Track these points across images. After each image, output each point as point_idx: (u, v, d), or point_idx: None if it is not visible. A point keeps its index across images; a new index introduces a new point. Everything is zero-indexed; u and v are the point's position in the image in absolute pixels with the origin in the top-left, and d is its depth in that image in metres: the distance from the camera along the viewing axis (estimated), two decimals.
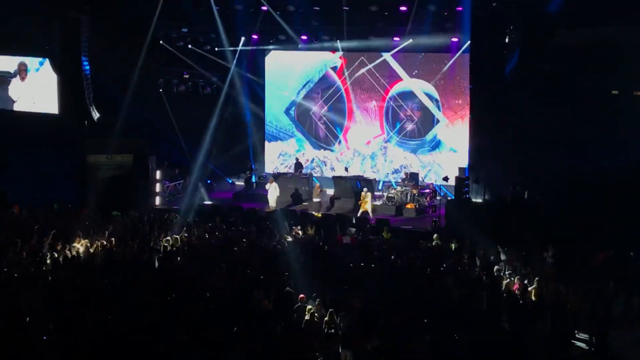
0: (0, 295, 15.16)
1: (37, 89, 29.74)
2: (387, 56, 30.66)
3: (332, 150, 32.26)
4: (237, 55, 31.34)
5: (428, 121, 30.61)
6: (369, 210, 26.42)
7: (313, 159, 32.51)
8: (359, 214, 26.28)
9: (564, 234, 21.21)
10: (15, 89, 30.26)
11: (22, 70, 30.15)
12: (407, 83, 30.67)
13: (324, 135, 32.33)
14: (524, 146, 25.44)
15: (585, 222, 21.21)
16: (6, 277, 16.73)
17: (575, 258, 19.60)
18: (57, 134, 29.59)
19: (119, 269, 17.59)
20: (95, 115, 27.78)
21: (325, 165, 32.44)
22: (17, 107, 30.40)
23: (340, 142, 32.08)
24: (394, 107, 30.97)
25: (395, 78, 30.81)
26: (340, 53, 31.31)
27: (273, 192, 27.86)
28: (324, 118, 32.18)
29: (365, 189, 27.06)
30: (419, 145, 30.81)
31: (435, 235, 22.00)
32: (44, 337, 13.03)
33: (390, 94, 30.97)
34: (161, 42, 29.74)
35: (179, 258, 19.15)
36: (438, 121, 30.43)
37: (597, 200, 22.27)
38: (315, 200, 27.99)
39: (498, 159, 26.11)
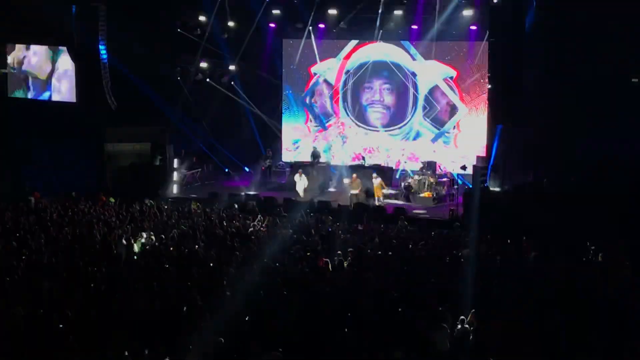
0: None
1: (55, 78, 29.88)
2: (412, 44, 30.49)
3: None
4: (254, 44, 31.27)
5: (448, 110, 30.48)
6: (380, 196, 26.48)
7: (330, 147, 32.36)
8: (376, 202, 26.30)
9: (583, 224, 21.13)
10: (34, 77, 30.46)
11: (40, 60, 30.34)
12: (428, 72, 30.52)
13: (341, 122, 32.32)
14: (543, 134, 25.28)
15: (606, 212, 21.08)
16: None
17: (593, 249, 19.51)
18: (76, 123, 29.71)
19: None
20: (113, 103, 27.81)
21: (345, 142, 32.31)
22: (34, 96, 30.60)
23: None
24: (414, 95, 30.85)
25: (414, 68, 30.67)
26: (357, 41, 31.23)
27: (300, 183, 27.88)
28: (341, 105, 32.15)
29: (374, 173, 27.15)
30: (439, 134, 30.70)
31: (455, 224, 21.95)
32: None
33: (411, 83, 30.86)
34: (179, 29, 29.69)
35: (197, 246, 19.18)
36: (457, 110, 30.30)
37: (618, 190, 22.11)
38: (353, 192, 27.06)
39: (517, 147, 25.98)
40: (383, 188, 27.29)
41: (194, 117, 30.58)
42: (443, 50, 30.04)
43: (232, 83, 31.80)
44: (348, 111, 32.26)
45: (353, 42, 31.60)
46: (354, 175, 27.37)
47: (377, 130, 31.89)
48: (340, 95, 32.30)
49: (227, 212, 23.98)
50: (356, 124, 32.17)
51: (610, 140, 24.10)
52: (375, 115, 31.92)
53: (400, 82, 31.30)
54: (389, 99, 31.67)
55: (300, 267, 16.80)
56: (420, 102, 30.97)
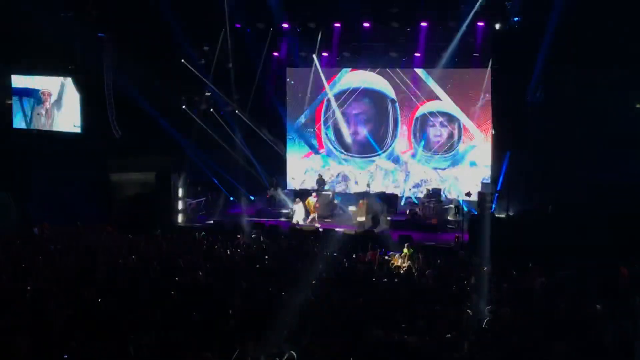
0: None
1: (60, 109, 30.03)
2: (419, 72, 30.54)
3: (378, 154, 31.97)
4: (258, 73, 31.38)
5: (452, 137, 30.47)
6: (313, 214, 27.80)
7: (339, 174, 32.35)
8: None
9: (589, 249, 21.08)
10: (39, 109, 30.60)
11: (45, 100, 30.48)
12: (430, 99, 30.56)
13: (345, 150, 32.28)
14: (548, 160, 25.30)
15: (611, 236, 21.02)
16: None
17: (600, 273, 19.40)
18: (80, 153, 29.81)
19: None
20: (118, 133, 27.90)
21: (349, 180, 32.25)
22: (39, 127, 30.73)
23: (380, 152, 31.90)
24: (420, 123, 30.86)
25: (420, 97, 30.69)
26: (362, 70, 31.34)
27: (300, 211, 27.88)
28: (345, 133, 32.15)
29: (314, 193, 28.35)
30: (442, 160, 30.66)
31: (461, 253, 21.87)
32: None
33: (418, 112, 30.83)
34: (182, 60, 29.85)
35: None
36: (461, 137, 30.30)
37: (622, 214, 22.06)
38: (360, 219, 27.19)
39: (521, 173, 25.98)
40: (316, 208, 28.18)
41: (199, 146, 30.59)
42: (444, 78, 30.10)
43: (237, 112, 31.87)
44: (330, 139, 32.31)
45: (345, 70, 31.75)
46: (361, 201, 27.34)
47: (354, 156, 31.93)
48: (321, 123, 32.33)
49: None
50: (338, 150, 32.17)
51: (615, 166, 24.05)
52: (358, 142, 31.92)
53: (380, 109, 31.34)
54: (368, 126, 31.67)
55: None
56: (402, 129, 31.00)
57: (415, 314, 15.78)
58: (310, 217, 28.08)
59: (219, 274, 19.19)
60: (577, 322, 15.69)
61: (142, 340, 13.70)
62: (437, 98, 30.33)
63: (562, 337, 14.99)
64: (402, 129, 31.06)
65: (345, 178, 32.17)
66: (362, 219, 26.85)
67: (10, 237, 23.68)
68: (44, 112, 30.69)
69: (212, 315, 15.60)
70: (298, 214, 27.93)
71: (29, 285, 17.61)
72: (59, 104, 30.23)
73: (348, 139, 31.84)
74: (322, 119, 32.26)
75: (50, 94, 30.53)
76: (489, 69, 28.55)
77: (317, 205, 28.40)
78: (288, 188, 32.23)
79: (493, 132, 28.56)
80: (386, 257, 21.56)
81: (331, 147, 32.32)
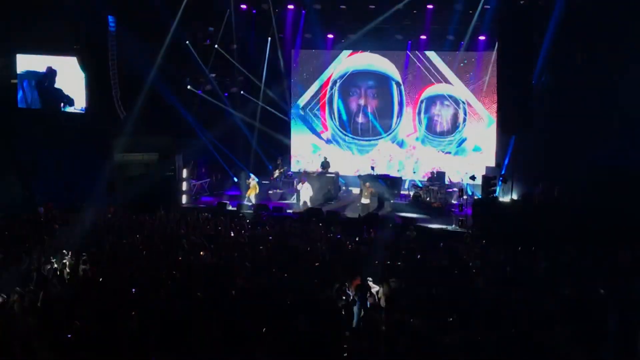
0: None
1: (64, 88, 30.00)
2: (424, 54, 30.42)
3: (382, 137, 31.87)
4: (265, 54, 31.31)
5: (457, 120, 30.40)
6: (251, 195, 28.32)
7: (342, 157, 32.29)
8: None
9: (594, 232, 21.11)
10: (44, 88, 30.58)
11: (49, 79, 30.43)
12: (441, 83, 30.45)
13: (350, 132, 32.19)
14: (553, 143, 25.25)
15: (617, 220, 21.07)
16: None
17: (603, 257, 19.44)
18: (85, 134, 29.82)
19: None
20: (122, 113, 27.87)
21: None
22: (44, 107, 30.71)
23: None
24: (425, 106, 30.77)
25: (428, 78, 30.58)
26: (366, 52, 31.22)
27: (306, 192, 27.87)
28: (350, 116, 32.07)
29: (251, 175, 28.82)
30: (446, 144, 30.61)
31: (465, 235, 21.89)
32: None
33: (424, 94, 30.75)
34: (187, 42, 29.78)
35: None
36: (466, 120, 30.23)
37: (628, 198, 22.07)
38: (364, 201, 27.20)
39: (526, 157, 25.95)
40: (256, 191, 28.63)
41: (203, 126, 30.57)
42: (450, 61, 30.01)
43: (242, 93, 31.81)
44: (334, 122, 32.21)
45: (346, 52, 31.60)
46: (367, 183, 27.32)
47: (358, 139, 31.82)
48: (326, 105, 32.22)
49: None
50: (341, 132, 32.09)
51: (623, 150, 23.98)
52: (361, 124, 31.82)
53: (385, 91, 31.22)
54: (372, 108, 31.56)
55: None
56: (407, 111, 30.89)
57: (418, 297, 15.85)
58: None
59: (223, 255, 19.27)
60: (581, 307, 15.73)
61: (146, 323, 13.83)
62: (443, 81, 30.29)
63: (565, 321, 15.06)
64: (407, 112, 31.01)
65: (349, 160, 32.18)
66: (367, 201, 26.85)
67: (16, 216, 23.78)
68: (48, 92, 30.64)
69: (215, 295, 15.68)
70: (304, 194, 27.92)
71: (34, 265, 17.78)
72: (63, 84, 30.17)
73: (352, 121, 31.78)
74: (327, 101, 32.18)
75: (54, 74, 30.46)
76: (494, 51, 28.43)
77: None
78: (292, 170, 32.22)
79: (498, 115, 28.46)
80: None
81: (335, 129, 32.27)
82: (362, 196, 27.16)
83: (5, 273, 16.95)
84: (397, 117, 31.19)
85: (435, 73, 30.29)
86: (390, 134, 31.32)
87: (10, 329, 13.57)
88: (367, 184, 27.30)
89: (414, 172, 30.72)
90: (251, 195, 28.47)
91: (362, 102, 31.79)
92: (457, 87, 30.09)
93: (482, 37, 28.47)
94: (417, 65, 30.56)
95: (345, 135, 32.03)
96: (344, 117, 32.00)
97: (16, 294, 15.29)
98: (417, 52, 30.45)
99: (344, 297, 15.97)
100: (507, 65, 26.20)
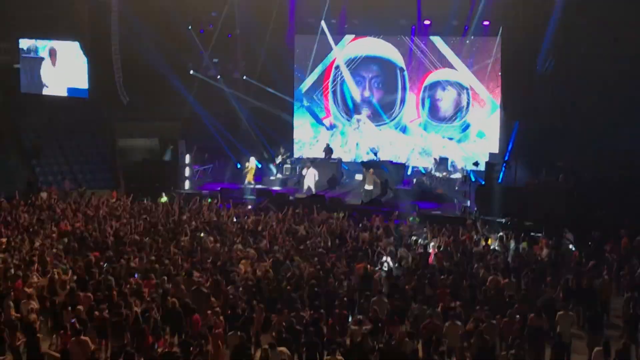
0: None
1: (68, 73, 29.99)
2: (429, 39, 30.22)
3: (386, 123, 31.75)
4: (265, 40, 31.18)
5: (460, 105, 30.25)
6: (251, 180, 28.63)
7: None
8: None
9: (596, 219, 21.18)
10: (46, 73, 30.54)
11: (52, 55, 30.39)
12: (442, 69, 30.30)
13: (353, 118, 32.04)
14: (557, 129, 25.22)
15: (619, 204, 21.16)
16: None
17: (603, 242, 19.51)
18: (88, 119, 29.83)
19: None
20: (125, 99, 27.86)
21: (359, 148, 32.04)
22: (46, 92, 30.68)
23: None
24: (429, 92, 30.61)
25: (432, 63, 30.43)
26: (369, 37, 31.07)
27: (311, 177, 27.82)
28: (353, 102, 31.93)
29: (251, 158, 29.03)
30: (450, 129, 30.48)
31: (467, 222, 21.89)
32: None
33: (427, 80, 30.59)
34: (189, 27, 29.70)
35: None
36: (469, 105, 30.09)
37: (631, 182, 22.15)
38: (368, 187, 27.05)
39: (530, 142, 25.92)
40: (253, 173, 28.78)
41: (206, 112, 30.51)
42: (454, 46, 29.85)
43: (245, 78, 31.72)
44: (337, 106, 32.09)
45: (348, 37, 31.51)
46: (371, 170, 27.25)
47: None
48: (329, 90, 32.10)
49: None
50: (344, 118, 32.01)
51: (624, 136, 23.94)
52: (364, 110, 31.74)
53: (389, 77, 31.16)
54: (377, 94, 31.47)
55: None
56: (410, 97, 30.80)
57: (420, 283, 15.89)
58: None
59: (225, 240, 19.33)
60: (585, 292, 15.79)
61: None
62: (447, 66, 30.09)
63: (570, 305, 15.12)
64: (410, 98, 30.85)
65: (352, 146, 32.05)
66: (370, 187, 26.82)
67: (19, 200, 23.84)
68: (50, 76, 30.63)
69: (216, 279, 15.75)
70: (308, 179, 27.85)
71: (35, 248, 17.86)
72: (65, 68, 30.16)
73: (355, 106, 31.67)
74: (330, 86, 32.06)
75: (57, 58, 30.46)
76: (498, 37, 28.31)
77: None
78: (294, 155, 32.13)
79: (502, 101, 28.38)
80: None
81: (338, 115, 32.15)
82: (366, 182, 27.12)
83: (9, 257, 17.05)
84: (400, 104, 31.04)
85: (439, 58, 30.09)
86: (393, 120, 31.19)
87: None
88: (371, 170, 27.24)
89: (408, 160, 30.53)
90: (251, 179, 28.42)
91: (366, 88, 31.61)
92: (460, 73, 29.89)
93: (486, 22, 28.31)
94: (420, 51, 30.39)
95: (349, 121, 31.90)
96: (349, 103, 31.84)
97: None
98: (420, 37, 30.25)
99: (345, 284, 16.04)
100: (512, 51, 26.17)
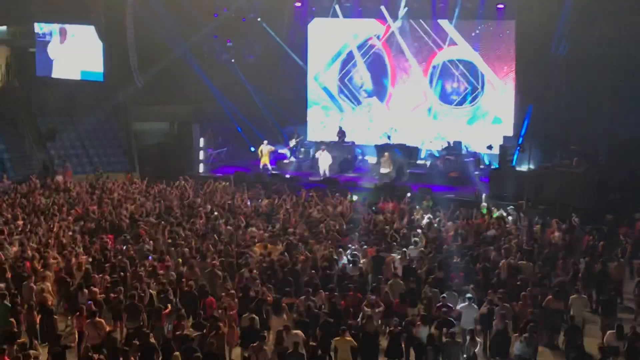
0: None
1: (82, 57, 30.09)
2: (439, 22, 30.05)
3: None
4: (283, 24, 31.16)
5: (472, 89, 30.13)
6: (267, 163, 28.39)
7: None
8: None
9: (610, 202, 21.16)
10: (54, 50, 30.63)
11: (62, 34, 30.47)
12: (453, 51, 30.12)
13: (366, 102, 31.98)
14: (571, 113, 25.12)
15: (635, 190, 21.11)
16: None
17: (617, 226, 19.49)
18: (103, 102, 29.95)
19: None
20: (140, 82, 27.93)
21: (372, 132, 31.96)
22: (56, 71, 30.77)
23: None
24: (439, 75, 30.48)
25: (439, 45, 30.26)
26: (383, 19, 30.94)
27: (325, 160, 27.86)
28: (366, 85, 31.84)
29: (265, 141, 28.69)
30: (462, 113, 30.37)
31: (481, 205, 21.90)
32: None
33: (435, 62, 30.45)
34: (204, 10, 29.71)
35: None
36: (483, 89, 29.97)
37: None
38: (384, 171, 27.10)
39: (544, 126, 25.84)
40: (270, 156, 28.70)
41: (221, 95, 30.54)
42: (469, 29, 29.69)
43: (259, 61, 31.67)
44: (350, 91, 32.03)
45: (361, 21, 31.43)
46: (387, 153, 27.23)
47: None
48: (343, 74, 32.02)
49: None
50: (357, 101, 31.93)
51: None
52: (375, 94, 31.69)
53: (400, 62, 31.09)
54: (387, 78, 31.38)
55: None
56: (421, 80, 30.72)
57: (433, 266, 15.95)
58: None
59: (239, 223, 19.43)
60: (598, 275, 15.82)
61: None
62: (459, 48, 29.93)
63: (583, 289, 15.14)
64: (422, 80, 30.72)
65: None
66: (386, 170, 26.81)
67: (35, 183, 24.04)
68: (66, 60, 30.72)
69: (230, 262, 15.88)
70: (323, 163, 27.87)
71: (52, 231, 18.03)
72: (81, 52, 30.26)
73: (368, 90, 31.62)
74: (343, 70, 32.02)
75: (72, 41, 30.55)
76: (514, 20, 28.14)
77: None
78: (308, 139, 32.15)
79: (516, 84, 28.24)
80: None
81: (351, 98, 32.12)
82: (381, 166, 27.10)
83: (26, 240, 17.21)
84: (414, 87, 30.93)
85: (452, 41, 29.98)
86: (405, 104, 31.07)
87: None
88: (387, 154, 27.21)
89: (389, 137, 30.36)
90: (267, 161, 28.57)
91: (377, 72, 31.50)
92: (473, 55, 29.78)
93: (500, 5, 28.15)
94: (434, 34, 30.25)
95: (360, 104, 31.86)
96: (361, 87, 31.75)
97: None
98: (434, 20, 30.11)
99: (359, 267, 16.13)
100: (526, 34, 26.02)
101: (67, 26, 30.29)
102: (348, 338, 12.18)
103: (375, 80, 31.48)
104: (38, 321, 13.04)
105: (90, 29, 29.60)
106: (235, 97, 30.68)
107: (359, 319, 13.19)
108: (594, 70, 24.71)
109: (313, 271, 15.43)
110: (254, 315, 12.78)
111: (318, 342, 12.31)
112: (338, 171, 28.24)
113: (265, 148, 28.53)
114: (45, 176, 26.06)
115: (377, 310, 13.53)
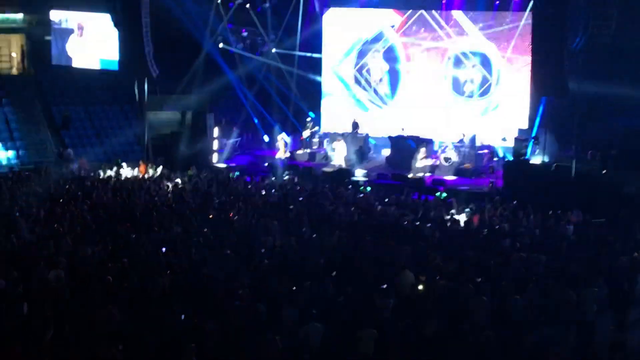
0: None
1: (98, 45, 30.18)
2: (454, 13, 29.92)
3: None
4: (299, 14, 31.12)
5: (486, 81, 30.02)
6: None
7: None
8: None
9: (624, 196, 21.07)
10: (73, 45, 30.74)
11: (80, 28, 30.60)
12: (468, 42, 30.02)
13: (381, 94, 31.90)
14: (586, 106, 25.00)
15: None
16: None
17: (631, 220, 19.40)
18: (118, 91, 30.03)
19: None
20: (155, 72, 27.99)
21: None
22: (75, 64, 30.94)
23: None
24: (453, 67, 30.37)
25: (455, 35, 30.13)
26: (397, 10, 30.85)
27: (340, 152, 27.88)
28: (380, 77, 31.77)
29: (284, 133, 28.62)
30: (477, 106, 30.28)
31: (495, 198, 21.86)
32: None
33: (449, 53, 30.34)
34: (218, 1, 29.72)
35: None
36: (498, 81, 29.86)
37: None
38: (419, 165, 27.01)
39: (559, 119, 25.72)
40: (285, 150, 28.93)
41: (236, 85, 30.59)
42: (484, 20, 29.56)
43: (274, 51, 31.70)
44: (366, 83, 31.94)
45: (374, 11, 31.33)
46: (423, 148, 27.13)
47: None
48: (359, 64, 31.96)
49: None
50: (372, 94, 31.87)
51: None
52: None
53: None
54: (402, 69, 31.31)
55: None
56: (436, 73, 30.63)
57: (447, 258, 15.92)
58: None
59: (252, 214, 19.46)
60: (611, 269, 15.74)
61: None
62: (474, 40, 29.84)
63: (592, 283, 15.08)
64: (436, 73, 30.63)
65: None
66: (423, 164, 26.89)
67: (49, 171, 24.22)
68: (78, 49, 30.84)
69: (244, 253, 15.90)
70: (338, 154, 27.87)
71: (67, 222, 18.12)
72: (96, 40, 30.36)
73: (384, 82, 31.56)
74: (359, 61, 31.95)
75: (87, 30, 30.66)
76: (528, 11, 27.98)
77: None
78: (322, 130, 32.14)
79: (532, 76, 28.09)
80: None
81: (367, 90, 32.05)
82: (419, 158, 27.03)
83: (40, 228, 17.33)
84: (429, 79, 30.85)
85: (466, 33, 29.87)
86: (419, 96, 31.01)
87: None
88: (424, 148, 27.08)
89: None
90: (284, 153, 28.57)
91: (391, 63, 31.42)
92: (488, 47, 29.66)
93: None
94: (448, 25, 30.13)
95: (375, 95, 31.80)
96: (383, 79, 31.67)
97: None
98: (449, 11, 29.99)
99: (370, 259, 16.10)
100: (542, 26, 25.82)
101: (84, 20, 30.40)
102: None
103: (390, 72, 31.41)
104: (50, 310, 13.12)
105: (106, 17, 29.65)
106: (250, 87, 30.73)
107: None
108: (610, 63, 24.60)
109: None
110: (263, 306, 12.80)
111: None
112: (352, 163, 28.23)
113: (283, 139, 28.54)
114: (60, 164, 26.19)
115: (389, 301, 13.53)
